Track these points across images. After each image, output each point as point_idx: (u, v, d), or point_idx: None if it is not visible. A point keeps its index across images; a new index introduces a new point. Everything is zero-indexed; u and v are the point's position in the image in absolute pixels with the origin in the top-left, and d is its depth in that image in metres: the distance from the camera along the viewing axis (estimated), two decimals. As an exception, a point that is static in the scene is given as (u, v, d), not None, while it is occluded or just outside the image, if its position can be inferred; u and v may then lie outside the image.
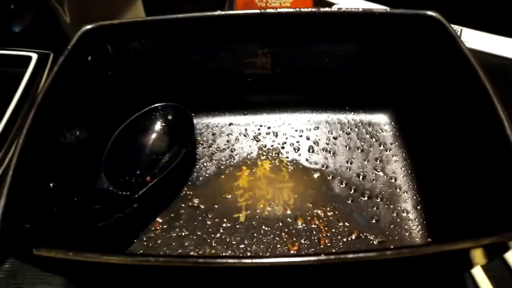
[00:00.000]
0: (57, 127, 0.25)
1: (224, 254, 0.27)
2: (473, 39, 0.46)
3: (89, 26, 0.28)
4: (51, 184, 0.24)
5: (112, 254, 0.18)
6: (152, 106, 0.32)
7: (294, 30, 0.30)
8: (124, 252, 0.26)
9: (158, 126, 0.32)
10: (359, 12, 0.28)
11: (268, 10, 0.29)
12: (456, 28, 0.47)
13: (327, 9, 0.29)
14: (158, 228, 0.28)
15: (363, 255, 0.18)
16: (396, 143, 0.31)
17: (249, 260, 0.18)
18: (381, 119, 0.33)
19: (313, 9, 0.29)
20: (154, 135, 0.31)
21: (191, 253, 0.27)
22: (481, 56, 0.46)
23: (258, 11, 0.29)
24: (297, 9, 0.29)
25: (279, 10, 0.29)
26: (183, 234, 0.28)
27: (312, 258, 0.17)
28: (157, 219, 0.29)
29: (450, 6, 0.49)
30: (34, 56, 0.41)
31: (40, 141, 0.23)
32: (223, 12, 0.29)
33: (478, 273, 0.27)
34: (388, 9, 0.28)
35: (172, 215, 0.29)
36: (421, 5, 0.47)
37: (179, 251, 0.27)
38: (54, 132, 0.25)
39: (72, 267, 0.20)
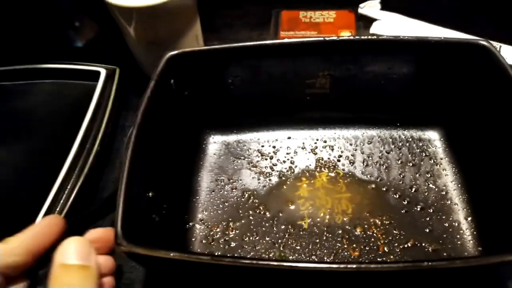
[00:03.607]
0: (151, 143, 0.29)
1: (292, 257, 0.30)
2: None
3: (173, 53, 0.31)
4: (150, 194, 0.27)
5: (223, 257, 0.21)
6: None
7: (353, 55, 0.33)
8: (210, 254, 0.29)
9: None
10: (415, 39, 0.31)
11: (330, 38, 0.32)
12: (495, 44, 0.49)
13: (385, 37, 0.32)
14: (231, 232, 0.32)
15: (437, 263, 0.21)
16: (446, 158, 0.34)
17: (339, 265, 0.21)
18: (431, 136, 0.36)
19: (372, 37, 0.32)
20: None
21: (263, 255, 0.30)
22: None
23: (321, 38, 0.32)
24: (357, 37, 0.32)
25: (340, 37, 0.32)
26: (253, 238, 0.31)
27: (393, 265, 0.20)
28: (230, 224, 0.32)
29: (487, 23, 0.52)
30: (103, 71, 0.45)
31: (141, 156, 0.27)
32: (290, 40, 0.32)
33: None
34: (443, 37, 0.31)
35: (243, 221, 0.32)
36: (458, 21, 0.50)
37: (252, 253, 0.31)
38: (149, 147, 0.29)
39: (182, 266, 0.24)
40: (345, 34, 0.47)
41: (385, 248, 0.30)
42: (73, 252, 0.20)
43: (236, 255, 0.30)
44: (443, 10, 0.54)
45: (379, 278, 0.23)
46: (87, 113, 0.40)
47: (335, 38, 0.32)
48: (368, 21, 0.52)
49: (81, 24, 0.52)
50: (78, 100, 0.44)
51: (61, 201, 0.33)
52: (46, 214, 0.32)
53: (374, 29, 0.51)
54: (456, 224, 0.31)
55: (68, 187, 0.34)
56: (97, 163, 0.38)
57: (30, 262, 0.21)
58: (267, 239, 0.31)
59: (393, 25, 0.52)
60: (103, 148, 0.40)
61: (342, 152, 0.36)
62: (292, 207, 0.33)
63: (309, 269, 0.21)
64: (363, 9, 0.53)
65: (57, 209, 0.33)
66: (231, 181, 0.35)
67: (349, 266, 0.21)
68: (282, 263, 0.22)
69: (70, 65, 0.46)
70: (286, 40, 0.32)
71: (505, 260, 0.21)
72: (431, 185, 0.33)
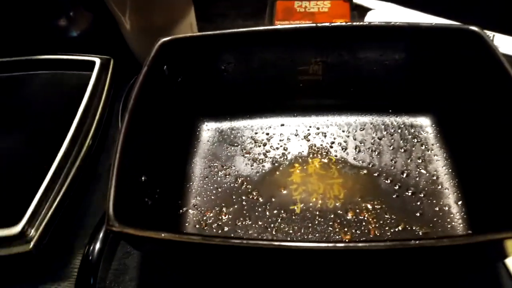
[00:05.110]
0: (144, 128, 0.29)
1: (284, 241, 0.30)
2: (505, 44, 0.48)
3: (166, 39, 0.32)
4: (142, 178, 0.27)
5: (214, 237, 0.21)
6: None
7: (345, 42, 0.33)
8: (201, 234, 0.30)
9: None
10: (407, 25, 0.31)
11: (322, 24, 0.32)
12: (489, 33, 0.49)
13: (376, 22, 0.32)
14: (224, 217, 0.32)
15: (424, 241, 0.21)
16: (437, 144, 0.34)
17: (328, 244, 0.21)
18: (423, 122, 0.36)
19: (364, 23, 0.32)
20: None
21: (255, 240, 0.31)
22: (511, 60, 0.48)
23: (313, 24, 0.32)
24: (349, 23, 0.32)
25: (332, 24, 0.32)
26: (246, 223, 0.32)
27: (381, 244, 0.21)
28: (223, 209, 0.33)
29: (482, 13, 0.52)
30: (97, 61, 0.45)
31: (134, 141, 0.27)
32: (283, 26, 0.32)
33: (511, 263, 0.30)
34: (434, 23, 0.31)
35: (236, 206, 0.33)
36: (453, 11, 0.50)
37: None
38: (142, 132, 0.29)
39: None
40: (340, 23, 0.47)
41: (376, 232, 0.30)
42: None
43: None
44: (438, 0, 0.55)
45: (368, 258, 0.24)
46: (82, 102, 0.40)
47: (327, 24, 0.32)
48: (363, 10, 0.52)
49: (76, 15, 0.52)
50: (73, 90, 0.44)
51: (57, 186, 0.34)
52: (40, 200, 0.32)
53: (369, 18, 0.51)
54: (447, 208, 0.31)
55: (63, 173, 0.35)
56: (92, 151, 0.39)
57: None
58: (259, 223, 0.32)
59: (387, 15, 0.52)
60: (98, 136, 0.40)
61: (334, 138, 0.36)
62: (285, 192, 0.33)
63: (298, 248, 0.22)
64: (358, -2, 0.53)
65: (52, 194, 0.33)
66: (224, 167, 0.35)
67: (337, 245, 0.21)
68: (272, 242, 0.22)
69: (65, 56, 0.46)
70: (278, 27, 0.32)
71: (491, 238, 0.22)
72: (422, 170, 0.33)
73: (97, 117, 0.40)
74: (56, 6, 0.51)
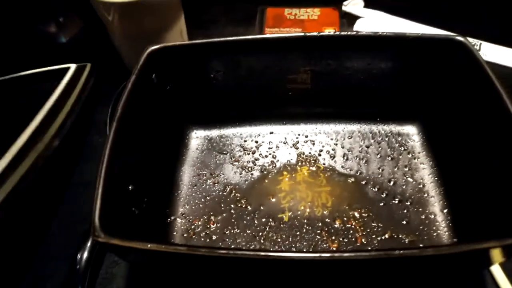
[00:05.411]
0: (132, 137, 0.29)
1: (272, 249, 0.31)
2: (492, 52, 0.49)
3: (154, 47, 0.32)
4: (130, 187, 0.27)
5: (199, 247, 0.21)
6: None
7: (333, 51, 0.33)
8: (186, 245, 0.30)
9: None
10: (393, 35, 0.32)
11: (311, 33, 0.32)
12: (476, 42, 0.50)
13: (364, 32, 0.32)
14: (212, 226, 0.32)
15: (408, 251, 0.21)
16: (424, 152, 0.35)
17: (314, 254, 0.21)
18: (410, 130, 0.36)
19: (352, 33, 0.32)
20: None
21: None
22: (498, 69, 0.49)
23: (302, 34, 0.32)
24: (337, 33, 0.32)
25: (321, 33, 0.32)
26: (234, 231, 0.32)
27: (366, 253, 0.21)
28: (211, 218, 0.33)
29: (469, 21, 0.53)
30: (72, 67, 0.43)
31: (121, 150, 0.27)
32: (272, 35, 0.32)
33: (496, 270, 0.31)
34: (420, 33, 0.31)
35: (224, 215, 0.33)
36: (441, 19, 0.51)
37: (232, 246, 0.31)
38: (130, 141, 0.29)
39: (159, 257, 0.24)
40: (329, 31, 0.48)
41: (363, 240, 0.31)
42: None
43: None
44: (426, 8, 0.55)
45: (354, 267, 0.24)
46: (48, 102, 0.38)
47: (315, 34, 0.32)
48: (352, 18, 0.53)
49: (66, 21, 0.52)
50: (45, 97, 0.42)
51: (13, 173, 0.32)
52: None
53: (358, 26, 0.52)
54: (432, 216, 0.31)
55: (20, 164, 0.33)
56: (54, 145, 0.37)
57: None
58: (248, 232, 0.32)
59: (376, 23, 0.52)
60: (63, 135, 0.38)
61: (323, 146, 0.36)
62: (273, 200, 0.33)
63: (284, 258, 0.22)
64: (347, 6, 0.53)
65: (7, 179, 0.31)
66: (213, 175, 0.35)
67: (323, 255, 0.21)
68: (257, 252, 0.22)
69: (38, 70, 0.44)
70: (267, 36, 0.33)
71: (474, 248, 0.22)
72: (409, 179, 0.34)
73: (58, 123, 0.38)
74: (46, 13, 0.51)
